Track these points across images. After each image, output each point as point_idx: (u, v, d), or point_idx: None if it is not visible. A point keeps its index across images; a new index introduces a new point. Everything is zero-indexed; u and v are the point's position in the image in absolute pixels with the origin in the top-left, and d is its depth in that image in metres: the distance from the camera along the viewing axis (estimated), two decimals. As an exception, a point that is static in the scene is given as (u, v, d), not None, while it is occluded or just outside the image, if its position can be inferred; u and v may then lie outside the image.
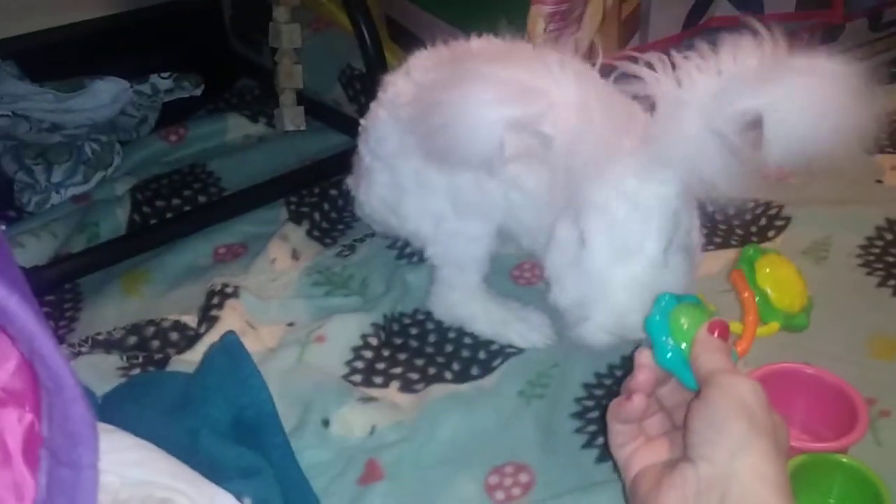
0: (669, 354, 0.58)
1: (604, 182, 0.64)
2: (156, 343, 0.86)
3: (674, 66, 0.62)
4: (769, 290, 0.64)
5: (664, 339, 0.59)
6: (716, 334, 0.58)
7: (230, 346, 0.74)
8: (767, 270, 0.65)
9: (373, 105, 0.85)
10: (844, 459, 0.64)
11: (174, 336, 0.86)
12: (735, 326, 0.63)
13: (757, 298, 0.64)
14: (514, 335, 0.82)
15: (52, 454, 0.42)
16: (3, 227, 0.96)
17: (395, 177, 0.82)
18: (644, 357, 0.59)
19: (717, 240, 0.95)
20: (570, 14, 0.96)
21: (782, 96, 0.58)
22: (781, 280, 0.65)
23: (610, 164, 0.63)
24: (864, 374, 0.75)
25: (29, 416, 0.44)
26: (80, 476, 0.40)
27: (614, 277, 0.64)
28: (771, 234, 0.95)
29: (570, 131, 0.61)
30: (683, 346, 0.58)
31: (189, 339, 0.85)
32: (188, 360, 0.80)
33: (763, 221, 0.97)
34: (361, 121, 0.87)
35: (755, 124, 0.59)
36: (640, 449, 0.59)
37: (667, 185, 0.65)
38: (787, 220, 0.96)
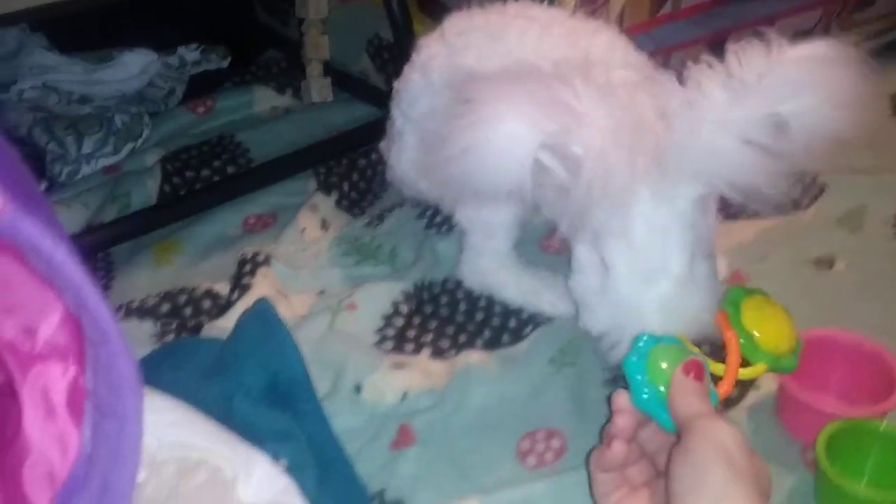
0: (646, 396, 0.56)
1: (620, 205, 0.61)
2: (188, 310, 0.86)
3: (684, 75, 0.60)
4: (755, 332, 0.63)
5: (641, 380, 0.57)
6: (691, 376, 0.56)
7: (263, 313, 0.75)
8: (753, 312, 0.64)
9: (406, 68, 0.84)
10: (882, 426, 0.64)
11: (206, 304, 0.87)
12: (718, 367, 0.62)
13: (742, 340, 0.63)
14: (544, 304, 0.82)
15: (96, 407, 0.42)
16: (44, 187, 0.97)
17: (426, 139, 0.82)
18: (622, 400, 0.57)
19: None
20: (601, -20, 0.95)
21: (801, 98, 0.57)
22: (768, 321, 0.64)
23: (627, 186, 0.60)
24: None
25: (73, 370, 0.44)
26: (124, 427, 0.41)
27: (644, 301, 0.63)
28: (805, 202, 0.94)
29: (598, 152, 0.58)
30: (662, 388, 0.56)
31: (221, 306, 0.86)
32: (221, 327, 0.81)
33: (797, 190, 0.96)
34: (394, 84, 0.86)
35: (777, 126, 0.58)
36: (624, 499, 0.57)
37: (683, 199, 0.63)
38: (822, 188, 0.95)
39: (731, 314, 0.64)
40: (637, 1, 1.00)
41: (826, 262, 0.86)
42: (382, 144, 0.92)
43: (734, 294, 0.65)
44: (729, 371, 0.62)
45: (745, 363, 0.64)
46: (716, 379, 0.62)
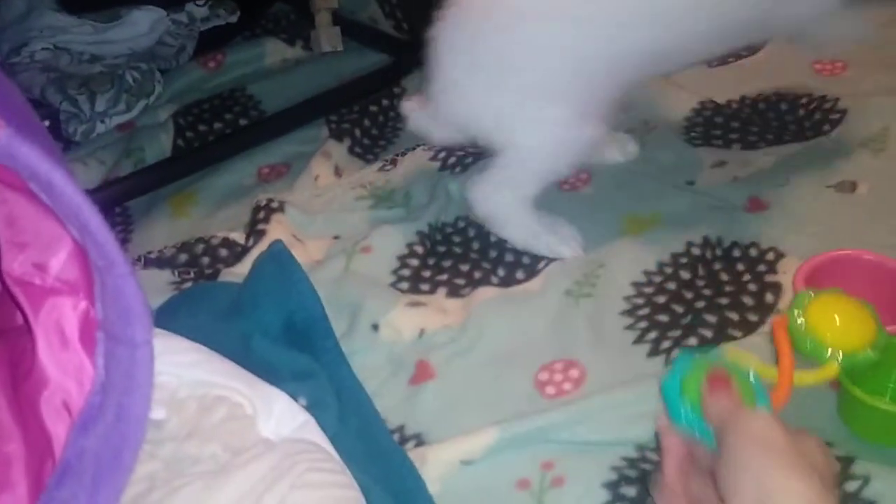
0: (683, 414, 0.54)
1: None
2: (206, 259, 0.87)
3: None
4: (822, 332, 0.59)
5: (676, 399, 0.54)
6: (717, 385, 0.53)
7: (278, 255, 0.75)
8: (820, 312, 0.59)
9: None
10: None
11: (223, 252, 0.87)
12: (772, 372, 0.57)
13: (808, 344, 0.59)
14: (542, 247, 0.81)
15: (107, 335, 0.42)
16: (47, 123, 0.97)
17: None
18: (663, 421, 0.55)
19: (770, 136, 0.92)
20: None
21: None
22: (839, 319, 0.60)
23: None
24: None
25: (83, 303, 0.45)
26: (135, 353, 0.41)
27: None
28: (826, 127, 0.92)
29: None
30: (695, 404, 0.53)
31: (237, 253, 0.86)
32: (238, 273, 0.81)
33: (818, 116, 0.93)
34: (440, 10, 0.81)
35: None
36: None
37: None
38: (843, 112, 0.93)
39: (791, 318, 0.60)
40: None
41: (848, 186, 0.85)
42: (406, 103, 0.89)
43: (799, 298, 0.61)
44: (781, 379, 0.57)
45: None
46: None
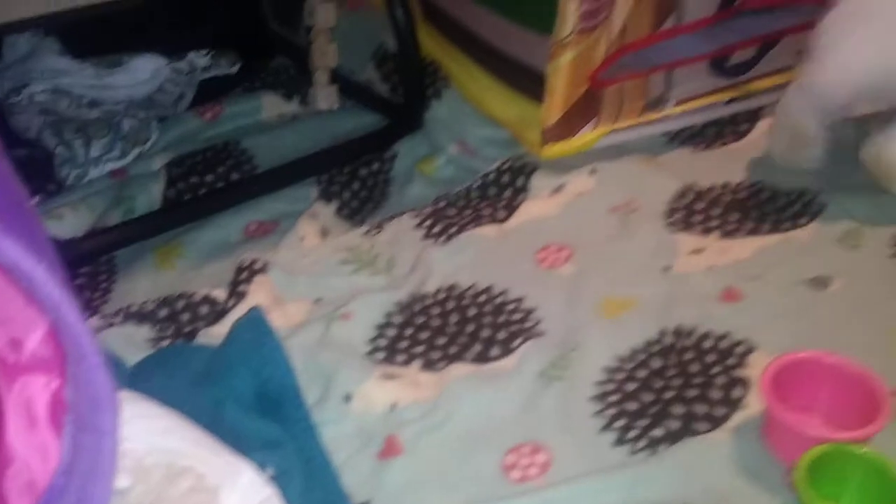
0: None
1: None
2: (186, 316, 0.88)
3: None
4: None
5: None
6: None
7: (255, 321, 0.76)
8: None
9: None
10: (863, 451, 0.64)
11: (204, 309, 0.88)
12: None
13: None
14: None
15: (76, 419, 0.43)
16: (36, 199, 0.98)
17: None
18: None
19: (749, 225, 0.94)
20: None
21: None
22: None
23: None
24: (890, 365, 0.74)
25: (56, 382, 0.46)
26: (102, 441, 0.42)
27: None
28: (803, 220, 0.94)
29: None
30: None
31: (218, 312, 0.87)
32: (216, 334, 0.82)
33: (797, 207, 0.96)
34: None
35: None
36: None
37: None
38: (822, 206, 0.95)
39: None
40: (639, 16, 1.00)
41: (822, 282, 0.86)
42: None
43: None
44: None
45: None
46: None
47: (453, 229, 0.96)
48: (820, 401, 0.71)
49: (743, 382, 0.75)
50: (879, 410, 0.66)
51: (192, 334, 0.84)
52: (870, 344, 0.78)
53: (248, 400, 0.71)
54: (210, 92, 1.27)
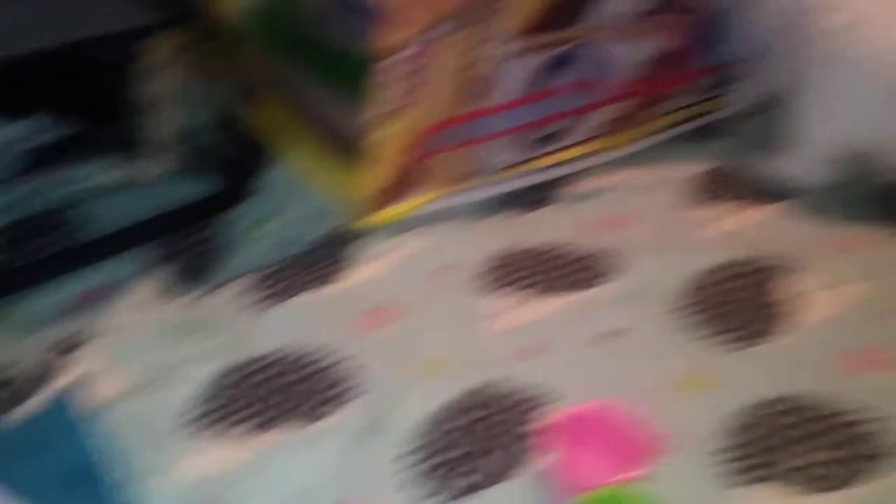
0: None
1: None
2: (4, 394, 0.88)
3: None
4: None
5: None
6: None
7: (63, 403, 0.77)
8: None
9: None
10: (626, 491, 0.73)
11: (16, 385, 0.88)
12: None
13: None
14: None
15: None
16: None
17: None
18: None
19: (554, 284, 1.03)
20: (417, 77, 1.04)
21: None
22: None
23: None
24: (666, 409, 0.84)
25: None
26: None
27: None
28: (599, 280, 1.04)
29: None
30: None
31: (29, 391, 0.87)
32: (24, 413, 0.83)
33: (597, 269, 1.06)
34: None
35: None
36: None
37: None
38: (617, 267, 1.06)
39: None
40: (455, 95, 1.09)
41: (608, 336, 0.96)
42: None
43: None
44: None
45: None
46: None
47: (283, 294, 1.01)
48: (593, 449, 0.79)
49: (537, 434, 0.84)
50: (644, 456, 0.76)
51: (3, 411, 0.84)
52: (653, 389, 0.88)
53: (56, 481, 0.72)
54: (47, 156, 1.26)
